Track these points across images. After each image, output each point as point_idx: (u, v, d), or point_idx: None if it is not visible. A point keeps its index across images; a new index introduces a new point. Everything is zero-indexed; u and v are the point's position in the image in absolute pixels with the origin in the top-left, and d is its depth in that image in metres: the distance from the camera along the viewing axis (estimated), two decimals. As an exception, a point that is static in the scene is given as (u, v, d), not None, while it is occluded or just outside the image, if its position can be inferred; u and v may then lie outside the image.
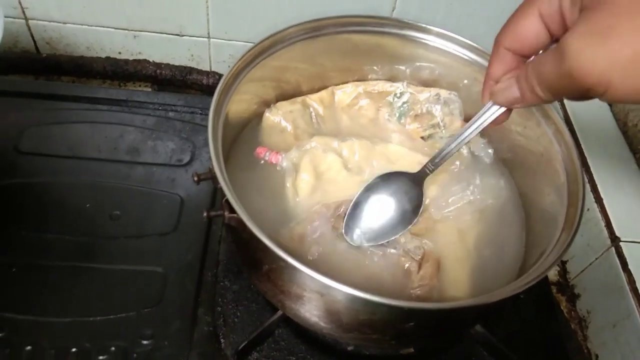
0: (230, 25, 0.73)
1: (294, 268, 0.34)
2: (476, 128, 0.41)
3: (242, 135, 0.54)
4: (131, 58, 0.78)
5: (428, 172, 0.47)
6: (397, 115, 0.57)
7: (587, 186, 0.59)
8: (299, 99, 0.57)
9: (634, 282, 0.54)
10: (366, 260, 0.45)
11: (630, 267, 0.55)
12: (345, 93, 0.58)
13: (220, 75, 0.79)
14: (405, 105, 0.57)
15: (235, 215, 0.37)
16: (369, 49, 0.56)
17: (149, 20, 0.72)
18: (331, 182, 0.51)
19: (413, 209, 0.47)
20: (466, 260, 0.46)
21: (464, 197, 0.48)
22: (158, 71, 0.78)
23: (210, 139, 0.39)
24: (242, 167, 0.52)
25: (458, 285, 0.44)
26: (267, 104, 0.56)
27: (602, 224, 0.59)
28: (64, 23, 0.73)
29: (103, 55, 0.78)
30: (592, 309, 0.60)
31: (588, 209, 0.62)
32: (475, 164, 0.53)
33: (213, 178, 0.40)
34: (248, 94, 0.52)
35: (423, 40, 0.54)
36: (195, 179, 0.41)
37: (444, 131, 0.55)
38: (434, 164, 0.46)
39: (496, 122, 0.40)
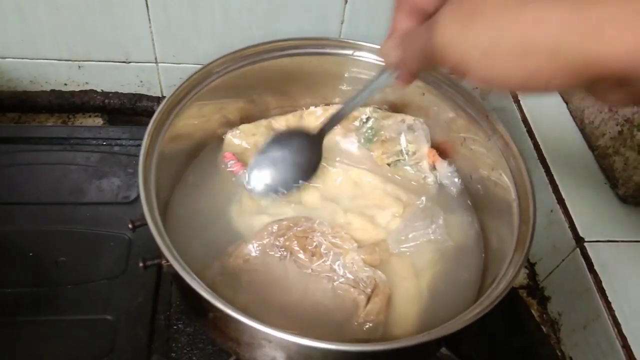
0: (177, 48, 0.70)
1: (237, 319, 0.33)
2: (371, 90, 0.42)
3: (204, 154, 0.55)
4: (77, 89, 0.75)
5: (326, 131, 0.48)
6: (363, 140, 0.56)
7: (545, 198, 0.56)
8: (264, 121, 0.56)
9: (600, 282, 0.53)
10: (315, 286, 0.44)
11: (595, 267, 0.54)
12: (313, 115, 0.57)
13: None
14: (370, 131, 0.55)
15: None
16: (326, 73, 0.55)
17: (92, 48, 0.70)
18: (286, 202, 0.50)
19: (313, 165, 0.50)
20: (418, 298, 0.45)
21: (425, 235, 0.47)
22: (106, 101, 0.75)
23: (141, 186, 0.37)
24: (202, 183, 0.51)
25: (406, 323, 0.43)
26: (231, 125, 0.55)
27: (566, 224, 0.59)
28: (4, 58, 0.70)
29: (48, 89, 0.75)
30: (562, 311, 0.60)
31: (552, 210, 0.61)
32: (442, 199, 0.53)
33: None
34: (198, 119, 0.51)
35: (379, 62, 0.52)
36: (130, 226, 0.39)
37: (407, 159, 0.54)
38: (332, 122, 0.47)
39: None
